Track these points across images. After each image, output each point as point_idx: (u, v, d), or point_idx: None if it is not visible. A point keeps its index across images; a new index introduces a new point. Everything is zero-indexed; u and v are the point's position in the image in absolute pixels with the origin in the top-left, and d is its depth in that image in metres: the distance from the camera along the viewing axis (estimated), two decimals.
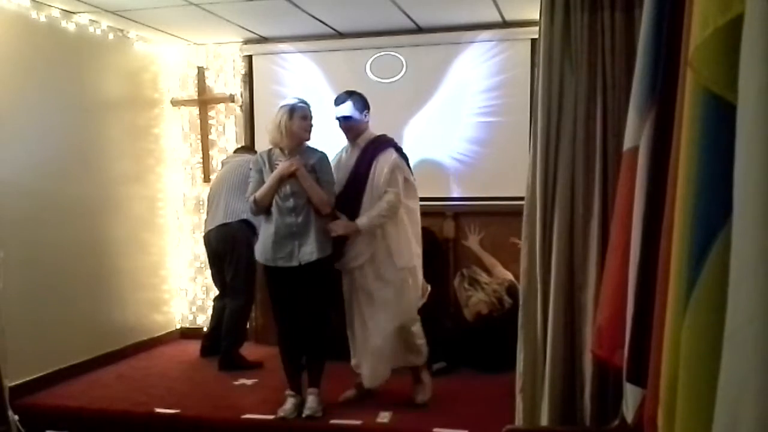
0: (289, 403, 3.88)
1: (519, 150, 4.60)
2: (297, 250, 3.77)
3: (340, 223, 3.84)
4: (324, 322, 3.94)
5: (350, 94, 3.96)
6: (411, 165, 4.10)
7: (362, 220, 3.82)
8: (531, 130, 2.97)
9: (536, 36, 3.00)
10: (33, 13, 4.44)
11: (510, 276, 4.77)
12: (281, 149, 3.82)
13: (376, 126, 4.10)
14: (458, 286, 4.83)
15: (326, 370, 3.93)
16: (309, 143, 3.89)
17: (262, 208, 3.82)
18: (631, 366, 1.82)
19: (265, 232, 3.87)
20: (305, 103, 3.86)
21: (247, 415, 3.86)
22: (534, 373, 2.90)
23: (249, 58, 5.69)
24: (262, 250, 3.88)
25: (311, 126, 3.85)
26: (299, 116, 3.77)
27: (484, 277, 4.85)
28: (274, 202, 3.80)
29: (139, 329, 5.41)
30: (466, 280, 4.79)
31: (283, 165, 3.76)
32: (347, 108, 3.91)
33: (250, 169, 3.96)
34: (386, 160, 3.87)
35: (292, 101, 3.84)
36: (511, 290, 4.58)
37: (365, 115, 3.97)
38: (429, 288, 4.16)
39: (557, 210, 2.82)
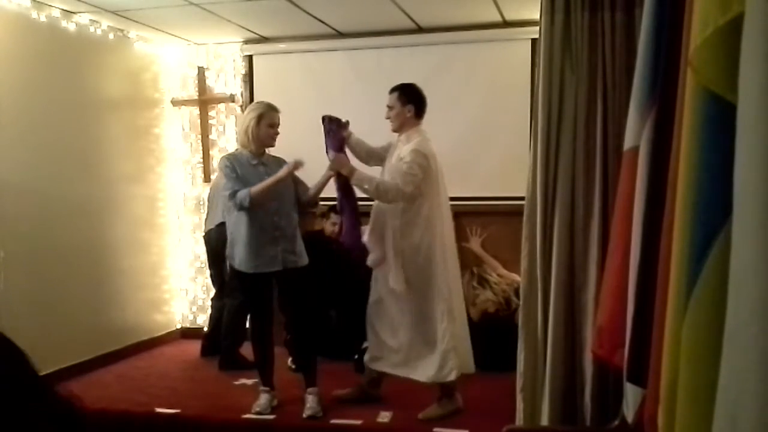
0: (263, 399, 3.93)
1: (519, 150, 4.59)
2: (280, 254, 3.79)
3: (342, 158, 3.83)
4: (311, 323, 3.97)
5: (400, 87, 3.87)
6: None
7: (360, 172, 3.78)
8: (531, 130, 2.97)
9: (536, 36, 3.01)
10: (33, 13, 4.44)
11: (517, 277, 4.76)
12: (250, 152, 3.85)
13: (376, 125, 4.08)
14: (466, 285, 4.82)
15: (327, 371, 3.92)
16: (273, 150, 3.96)
17: (257, 205, 3.72)
18: (631, 366, 1.82)
19: (247, 236, 3.79)
20: (275, 109, 3.87)
21: (247, 415, 3.86)
22: (534, 373, 2.90)
23: (249, 58, 5.69)
24: (245, 257, 3.81)
25: (277, 133, 3.88)
26: (266, 124, 3.82)
27: (493, 277, 4.84)
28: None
29: (140, 329, 5.41)
30: (474, 279, 4.80)
31: (288, 167, 3.77)
32: (391, 98, 3.85)
33: (226, 166, 3.83)
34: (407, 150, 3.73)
35: (261, 107, 3.86)
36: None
37: (409, 109, 3.81)
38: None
39: (557, 210, 2.82)
